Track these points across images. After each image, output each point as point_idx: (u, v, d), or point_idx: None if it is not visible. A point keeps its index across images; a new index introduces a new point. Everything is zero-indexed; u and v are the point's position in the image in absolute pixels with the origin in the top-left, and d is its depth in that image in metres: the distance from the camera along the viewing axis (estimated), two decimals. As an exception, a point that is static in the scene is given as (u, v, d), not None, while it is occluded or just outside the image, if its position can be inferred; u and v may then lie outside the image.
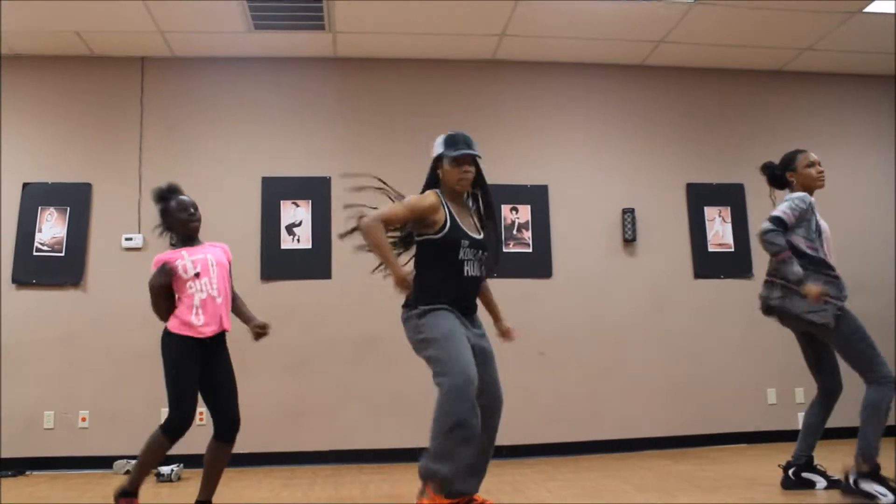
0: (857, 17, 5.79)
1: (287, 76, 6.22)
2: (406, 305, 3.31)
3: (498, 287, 5.93)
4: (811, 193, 3.96)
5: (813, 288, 3.61)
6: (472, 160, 3.36)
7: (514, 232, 6.13)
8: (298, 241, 5.94)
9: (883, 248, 6.65)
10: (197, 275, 3.52)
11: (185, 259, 3.53)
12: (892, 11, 5.71)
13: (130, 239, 5.79)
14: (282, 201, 5.98)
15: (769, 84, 6.83)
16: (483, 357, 3.28)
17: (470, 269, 3.29)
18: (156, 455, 3.44)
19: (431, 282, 3.28)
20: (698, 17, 5.73)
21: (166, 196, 3.68)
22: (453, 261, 3.27)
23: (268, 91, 6.19)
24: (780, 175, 4.05)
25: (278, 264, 5.89)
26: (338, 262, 5.92)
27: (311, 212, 5.99)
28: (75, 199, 5.83)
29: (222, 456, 3.57)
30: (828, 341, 3.81)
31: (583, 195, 6.33)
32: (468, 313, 3.35)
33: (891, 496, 3.43)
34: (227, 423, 3.55)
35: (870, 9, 5.67)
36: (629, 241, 6.28)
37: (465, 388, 2.99)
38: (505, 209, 6.13)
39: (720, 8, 5.61)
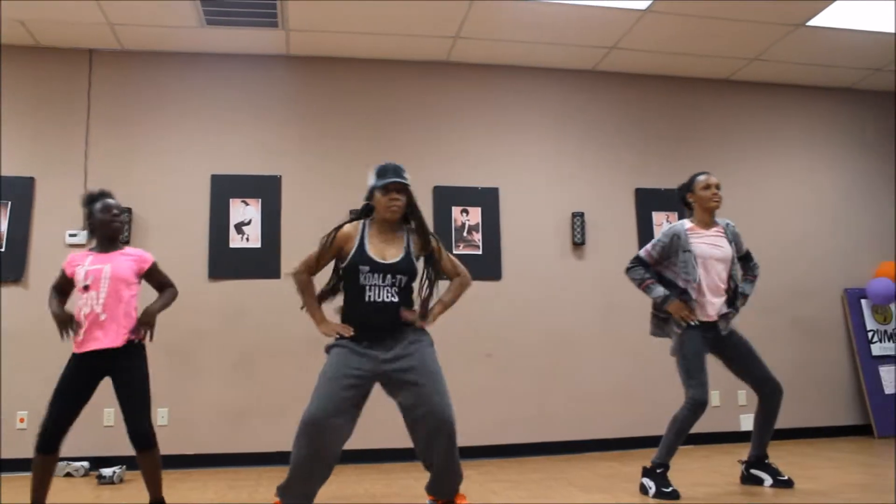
0: (800, 29, 5.94)
1: (239, 73, 6.15)
2: None
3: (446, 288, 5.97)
4: (710, 213, 4.24)
5: (672, 306, 4.11)
6: (402, 189, 3.37)
7: (464, 234, 6.15)
8: (247, 240, 5.88)
9: (826, 255, 6.83)
10: (86, 287, 3.50)
11: (83, 266, 3.56)
12: (832, 25, 5.87)
13: (75, 235, 5.67)
14: (231, 199, 5.92)
15: (718, 92, 6.97)
16: (404, 382, 3.26)
17: (374, 295, 3.30)
18: (34, 473, 3.44)
19: (344, 310, 3.42)
20: (650, 24, 5.82)
21: (94, 199, 3.70)
22: (355, 286, 3.33)
23: (219, 88, 6.11)
24: (684, 197, 4.33)
25: (226, 263, 5.82)
26: (287, 261, 5.85)
27: (261, 211, 5.93)
28: (17, 194, 5.68)
29: (146, 463, 3.54)
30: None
31: (533, 198, 6.38)
32: (379, 339, 3.31)
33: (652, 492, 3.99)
34: (132, 435, 3.46)
35: (812, 22, 5.82)
36: (578, 244, 6.34)
37: (306, 428, 3.18)
38: (455, 211, 6.15)
39: (671, 17, 5.70)
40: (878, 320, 6.85)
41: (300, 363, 5.72)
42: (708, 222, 4.24)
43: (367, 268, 3.30)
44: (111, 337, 3.50)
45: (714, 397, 6.30)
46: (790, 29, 5.95)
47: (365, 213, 3.51)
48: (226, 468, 5.46)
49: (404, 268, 3.34)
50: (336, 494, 4.31)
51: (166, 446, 5.35)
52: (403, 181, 3.36)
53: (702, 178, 4.25)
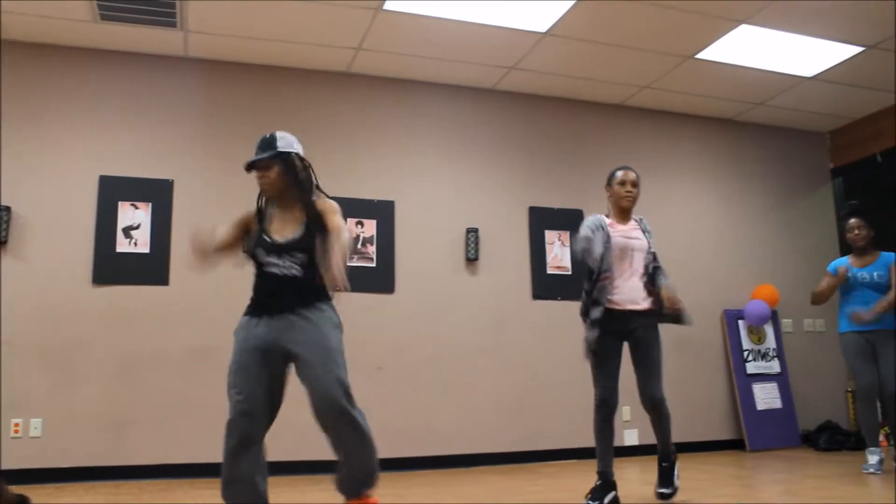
0: (688, 61, 6.23)
1: (133, 72, 5.95)
2: None
3: (339, 300, 5.93)
4: (623, 209, 4.19)
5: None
6: (266, 165, 3.22)
7: (359, 246, 6.14)
8: (135, 244, 5.69)
9: (707, 278, 7.14)
10: None
11: None
12: (718, 60, 6.19)
13: (-54, 233, 5.36)
14: (120, 202, 5.71)
15: (611, 117, 7.21)
16: (300, 360, 3.10)
17: (276, 269, 3.18)
18: None
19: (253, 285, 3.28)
20: (548, 48, 5.97)
21: None
22: (258, 267, 3.24)
23: (111, 86, 5.89)
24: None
25: (112, 268, 5.60)
26: (176, 268, 5.71)
27: (151, 215, 5.75)
28: None
29: None
30: None
31: (428, 213, 6.43)
32: (278, 313, 3.16)
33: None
34: None
35: (700, 56, 6.12)
36: (472, 259, 6.42)
37: (231, 424, 3.10)
38: (350, 223, 6.12)
39: (569, 41, 5.87)
40: (753, 340, 7.21)
41: (186, 373, 5.57)
42: (623, 218, 4.19)
43: (261, 249, 3.18)
44: None
45: (599, 412, 6.52)
46: (680, 60, 6.23)
47: None
48: (104, 481, 5.24)
49: (301, 245, 3.18)
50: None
51: (39, 459, 5.15)
52: (260, 158, 3.21)
53: (619, 173, 4.19)
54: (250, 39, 5.80)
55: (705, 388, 6.97)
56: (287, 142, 3.30)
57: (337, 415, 3.07)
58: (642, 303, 4.09)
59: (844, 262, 5.47)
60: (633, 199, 4.18)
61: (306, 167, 3.32)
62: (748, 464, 5.99)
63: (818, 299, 5.56)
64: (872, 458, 5.18)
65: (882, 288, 5.26)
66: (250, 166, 3.26)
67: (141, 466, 5.36)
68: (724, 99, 7.11)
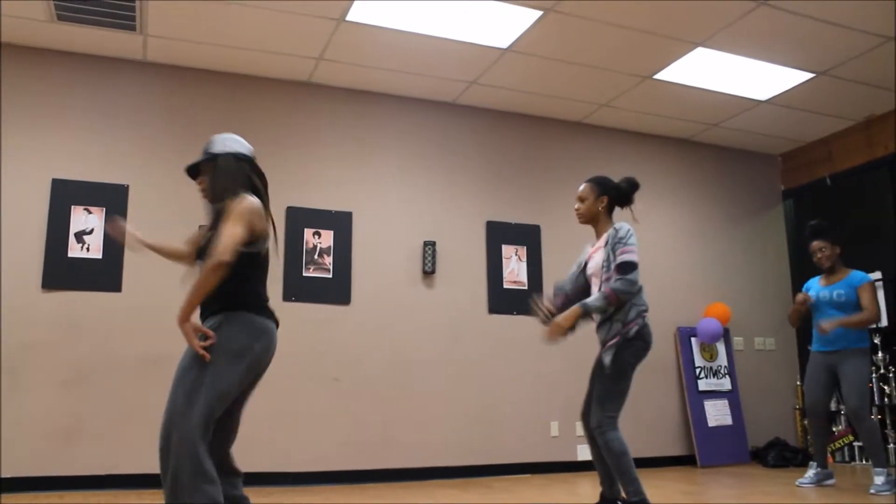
0: (647, 81, 6.33)
1: (90, 75, 5.85)
2: None
3: (295, 311, 5.91)
4: (594, 228, 4.04)
5: None
6: (205, 166, 3.07)
7: (315, 257, 6.10)
8: (88, 249, 5.59)
9: (661, 295, 7.20)
10: None
11: None
12: (676, 81, 6.30)
13: None
14: (73, 206, 5.61)
15: (570, 134, 7.28)
16: None
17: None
18: None
19: None
20: (508, 63, 6.03)
21: None
22: None
23: (67, 88, 5.78)
24: None
25: (63, 273, 5.49)
26: (129, 275, 5.62)
27: (105, 220, 5.65)
28: None
29: None
30: None
31: (386, 225, 6.42)
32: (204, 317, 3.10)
33: None
34: None
35: (658, 76, 6.23)
36: (429, 273, 6.42)
37: None
38: (307, 233, 6.09)
39: (530, 58, 5.93)
40: (705, 357, 7.32)
41: (137, 381, 5.47)
42: (596, 236, 4.01)
43: (198, 262, 3.04)
44: None
45: (553, 427, 6.56)
46: (638, 80, 6.33)
47: None
48: (49, 492, 5.11)
49: (204, 252, 2.95)
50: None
51: (-19, 467, 5.00)
52: (193, 164, 3.09)
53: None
54: (211, 46, 5.75)
55: (658, 405, 7.04)
56: (221, 142, 3.10)
57: (163, 442, 2.96)
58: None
59: (814, 283, 5.53)
60: (582, 216, 4.00)
61: (238, 168, 3.06)
62: (698, 479, 6.05)
63: (791, 322, 5.65)
64: (809, 472, 5.32)
65: (843, 306, 5.25)
66: (192, 176, 3.16)
67: (88, 477, 5.24)
68: (681, 119, 7.24)
